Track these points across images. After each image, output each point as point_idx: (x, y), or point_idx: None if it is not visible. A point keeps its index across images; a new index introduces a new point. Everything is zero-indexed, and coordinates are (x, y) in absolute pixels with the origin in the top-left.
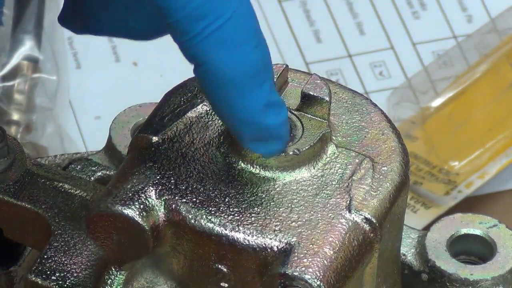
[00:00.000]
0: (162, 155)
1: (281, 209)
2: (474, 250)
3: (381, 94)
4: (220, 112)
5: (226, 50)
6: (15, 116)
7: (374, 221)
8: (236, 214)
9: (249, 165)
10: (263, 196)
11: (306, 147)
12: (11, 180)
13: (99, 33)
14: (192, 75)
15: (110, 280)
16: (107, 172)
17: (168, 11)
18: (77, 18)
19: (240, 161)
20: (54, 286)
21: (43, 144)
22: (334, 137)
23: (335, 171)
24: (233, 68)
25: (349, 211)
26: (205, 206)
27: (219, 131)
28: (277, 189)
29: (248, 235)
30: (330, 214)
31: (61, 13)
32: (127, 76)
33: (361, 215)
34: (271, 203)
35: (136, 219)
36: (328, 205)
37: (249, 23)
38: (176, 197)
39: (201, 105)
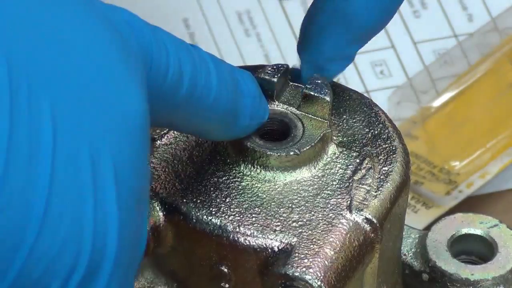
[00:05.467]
0: (162, 154)
1: (281, 209)
2: (475, 250)
3: (382, 93)
4: None
5: None
6: None
7: (375, 221)
8: (237, 215)
9: (249, 165)
10: (264, 196)
11: (307, 147)
12: None
13: None
14: None
15: None
16: None
17: None
18: None
19: (241, 161)
20: None
21: None
22: (334, 137)
23: (336, 171)
24: None
25: (350, 211)
26: (206, 206)
27: None
28: (278, 189)
29: (249, 236)
30: (331, 214)
31: None
32: None
33: (361, 215)
34: (272, 204)
35: None
36: (329, 205)
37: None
38: (177, 197)
39: None
